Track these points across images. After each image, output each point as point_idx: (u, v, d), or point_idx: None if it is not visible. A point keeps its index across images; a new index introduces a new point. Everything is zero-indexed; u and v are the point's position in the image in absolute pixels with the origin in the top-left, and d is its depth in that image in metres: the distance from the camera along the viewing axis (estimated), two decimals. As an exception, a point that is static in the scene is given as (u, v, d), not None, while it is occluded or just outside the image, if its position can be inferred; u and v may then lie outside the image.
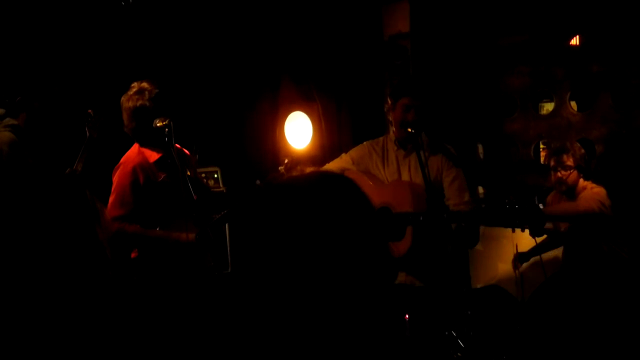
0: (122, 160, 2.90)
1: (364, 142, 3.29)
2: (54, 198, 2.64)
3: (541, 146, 4.65)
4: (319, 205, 1.01)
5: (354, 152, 3.26)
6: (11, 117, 2.68)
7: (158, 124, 2.77)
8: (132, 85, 2.80)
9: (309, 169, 3.06)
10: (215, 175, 3.94)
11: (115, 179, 2.85)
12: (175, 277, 2.81)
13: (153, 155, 2.88)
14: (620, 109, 4.11)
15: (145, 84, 2.80)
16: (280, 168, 3.07)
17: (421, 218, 2.79)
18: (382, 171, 3.15)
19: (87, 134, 2.99)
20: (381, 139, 3.26)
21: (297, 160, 3.03)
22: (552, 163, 3.52)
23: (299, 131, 4.42)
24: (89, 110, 2.97)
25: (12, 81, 2.74)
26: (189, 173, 2.90)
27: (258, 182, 3.00)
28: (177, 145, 2.86)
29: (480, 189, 4.69)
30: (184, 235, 2.79)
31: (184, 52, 3.98)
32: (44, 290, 2.30)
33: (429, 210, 2.77)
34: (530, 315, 3.55)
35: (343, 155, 3.30)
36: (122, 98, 2.81)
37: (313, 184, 1.03)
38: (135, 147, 2.92)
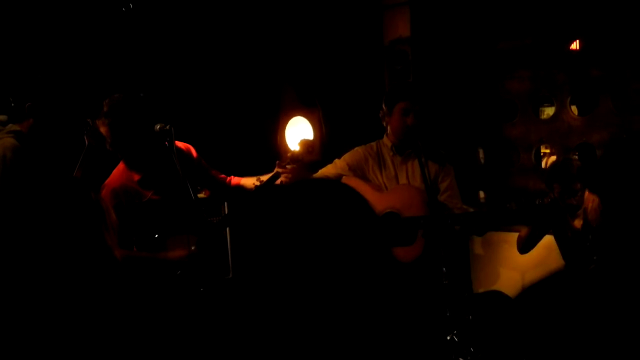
0: (105, 182, 2.87)
1: (357, 148, 3.24)
2: (57, 203, 2.64)
3: (542, 151, 4.65)
4: (320, 213, 1.01)
5: (349, 157, 3.20)
6: (13, 123, 2.69)
7: (158, 129, 2.76)
8: (104, 102, 2.80)
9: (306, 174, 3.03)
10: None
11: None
12: (167, 296, 2.78)
13: (137, 174, 2.86)
14: (621, 112, 4.11)
15: (115, 96, 2.80)
16: (289, 154, 2.98)
17: (436, 221, 2.73)
18: (379, 176, 3.12)
19: (86, 142, 2.99)
20: (374, 144, 3.22)
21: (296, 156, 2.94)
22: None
23: (299, 136, 4.42)
24: (88, 119, 2.97)
25: (15, 88, 2.74)
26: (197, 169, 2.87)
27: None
28: (177, 143, 2.82)
29: (481, 194, 4.69)
30: (171, 254, 2.77)
31: (186, 60, 3.99)
32: (47, 292, 2.29)
33: (436, 213, 2.74)
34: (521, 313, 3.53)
35: (337, 160, 3.24)
36: (98, 120, 2.80)
37: (313, 192, 1.04)
38: (120, 166, 2.90)
